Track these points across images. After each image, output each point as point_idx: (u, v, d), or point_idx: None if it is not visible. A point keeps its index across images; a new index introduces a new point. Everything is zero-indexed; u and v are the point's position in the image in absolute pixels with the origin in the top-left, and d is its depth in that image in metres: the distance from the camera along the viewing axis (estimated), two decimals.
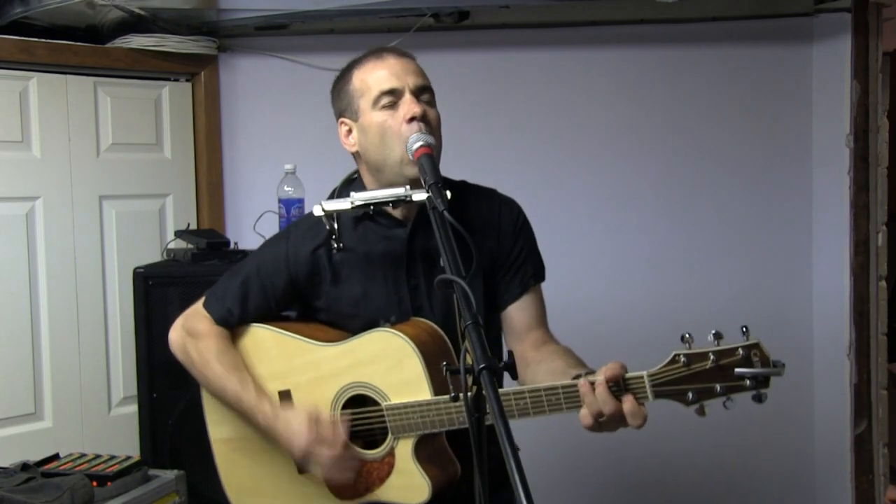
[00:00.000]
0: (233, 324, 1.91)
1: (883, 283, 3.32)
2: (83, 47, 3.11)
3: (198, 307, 1.95)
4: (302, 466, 1.85)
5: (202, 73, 3.32)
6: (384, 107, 1.76)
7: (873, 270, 3.30)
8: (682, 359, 1.50)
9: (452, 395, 1.30)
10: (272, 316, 1.92)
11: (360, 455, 1.80)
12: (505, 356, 1.32)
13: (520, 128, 3.39)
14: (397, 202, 1.72)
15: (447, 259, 1.49)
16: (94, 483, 2.05)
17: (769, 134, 3.40)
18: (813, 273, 3.41)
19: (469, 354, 1.28)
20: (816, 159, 3.39)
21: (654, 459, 3.43)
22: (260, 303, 1.90)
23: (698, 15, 3.33)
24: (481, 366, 1.25)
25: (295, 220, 1.98)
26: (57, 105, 3.04)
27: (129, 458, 2.24)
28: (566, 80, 3.39)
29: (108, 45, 3.17)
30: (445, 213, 1.54)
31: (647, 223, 3.42)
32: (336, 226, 1.82)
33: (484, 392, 1.24)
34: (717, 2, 3.34)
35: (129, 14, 3.06)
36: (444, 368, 1.34)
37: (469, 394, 1.27)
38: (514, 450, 1.15)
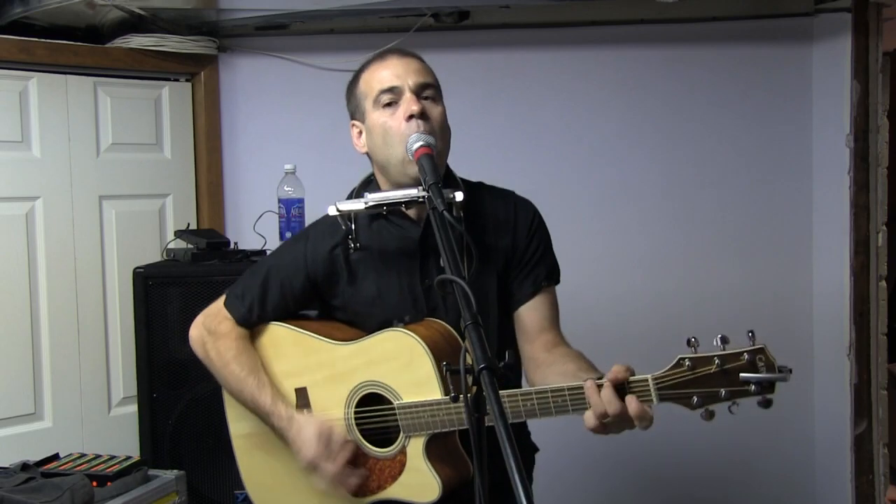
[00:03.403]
0: (252, 323, 1.94)
1: (883, 283, 3.32)
2: (83, 47, 3.11)
3: (218, 306, 1.98)
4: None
5: (202, 73, 3.32)
6: (385, 106, 1.78)
7: (873, 270, 3.30)
8: (687, 363, 1.49)
9: (452, 395, 1.30)
10: (291, 315, 1.95)
11: (372, 454, 1.81)
12: (506, 357, 1.32)
13: (520, 128, 3.39)
14: (410, 203, 1.73)
15: (447, 259, 1.49)
16: (94, 483, 2.05)
17: (769, 134, 3.40)
18: (813, 273, 3.41)
19: (469, 354, 1.28)
20: (816, 159, 3.39)
21: (652, 459, 3.43)
22: (279, 302, 1.93)
23: (698, 15, 3.33)
24: (481, 366, 1.25)
25: (315, 221, 2.00)
26: (57, 105, 3.04)
27: (129, 458, 2.24)
28: (566, 80, 3.39)
29: (108, 45, 3.17)
30: (445, 213, 1.55)
31: (646, 223, 3.42)
32: (353, 226, 1.84)
33: (484, 392, 1.24)
34: (717, 2, 3.34)
35: (129, 14, 3.06)
36: (445, 368, 1.34)
37: (469, 394, 1.27)
38: (515, 450, 1.15)
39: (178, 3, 3.09)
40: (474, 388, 1.28)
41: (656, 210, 3.42)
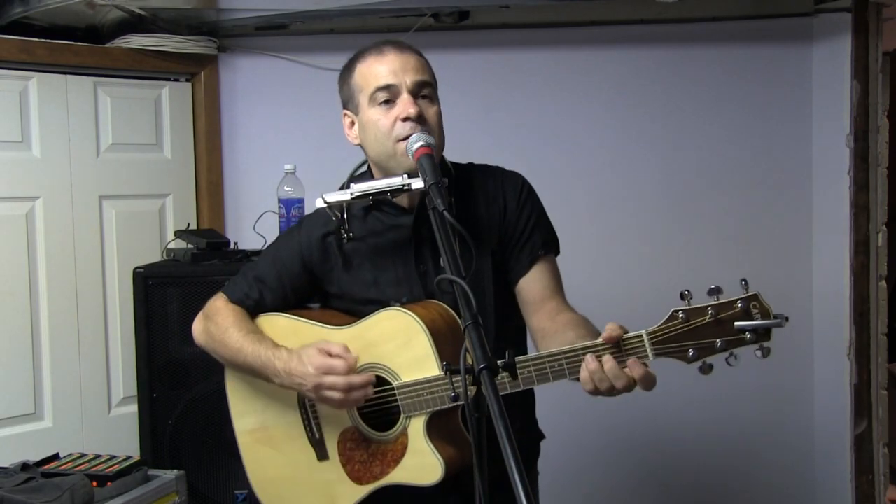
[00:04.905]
0: (250, 308, 1.94)
1: (883, 283, 3.32)
2: (83, 47, 3.11)
3: (216, 295, 2.00)
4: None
5: (202, 73, 3.32)
6: (381, 103, 1.77)
7: (873, 270, 3.30)
8: (681, 315, 1.49)
9: (453, 395, 1.30)
10: (290, 306, 1.95)
11: (374, 438, 1.80)
12: (507, 356, 1.32)
13: (520, 128, 3.39)
14: (395, 192, 1.73)
15: (447, 259, 1.49)
16: (94, 483, 2.05)
17: (769, 134, 3.40)
18: (813, 273, 3.41)
19: (469, 354, 1.28)
20: (816, 159, 3.39)
21: (653, 460, 3.43)
22: (276, 290, 1.93)
23: (698, 15, 3.33)
24: (481, 365, 1.25)
25: (310, 213, 2.01)
26: (57, 105, 3.04)
27: (129, 458, 2.24)
28: (566, 80, 3.39)
29: (108, 45, 3.17)
30: (446, 213, 1.55)
31: (646, 224, 3.41)
32: (345, 216, 1.85)
33: (484, 391, 1.25)
34: (717, 2, 3.34)
35: (129, 14, 3.06)
36: (444, 368, 1.34)
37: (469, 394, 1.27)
38: (515, 449, 1.15)
39: (178, 3, 3.09)
40: (474, 389, 1.28)
41: (656, 210, 3.42)
